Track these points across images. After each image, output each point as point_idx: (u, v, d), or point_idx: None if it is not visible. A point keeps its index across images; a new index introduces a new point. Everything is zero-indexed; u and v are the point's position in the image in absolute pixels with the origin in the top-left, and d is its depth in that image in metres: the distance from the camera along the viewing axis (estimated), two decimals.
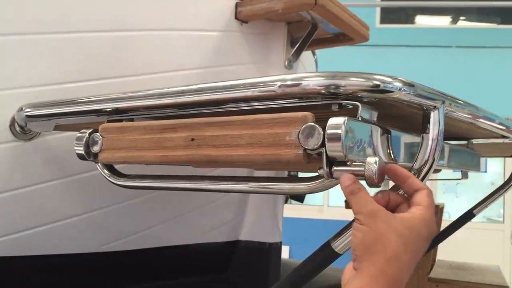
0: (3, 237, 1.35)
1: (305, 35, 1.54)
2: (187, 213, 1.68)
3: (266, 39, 1.55)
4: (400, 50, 6.29)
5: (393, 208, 0.69)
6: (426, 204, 0.65)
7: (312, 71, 1.79)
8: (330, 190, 0.77)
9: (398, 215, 0.64)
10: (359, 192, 0.65)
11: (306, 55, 1.88)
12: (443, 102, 0.76)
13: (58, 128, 1.21)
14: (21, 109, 1.17)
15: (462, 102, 0.86)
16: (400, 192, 0.71)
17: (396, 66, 5.73)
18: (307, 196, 2.57)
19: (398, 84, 0.69)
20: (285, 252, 5.52)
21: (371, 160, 0.65)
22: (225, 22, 1.47)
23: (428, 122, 0.75)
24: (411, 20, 7.03)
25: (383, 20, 6.58)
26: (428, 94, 0.73)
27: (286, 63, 1.55)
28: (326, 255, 0.78)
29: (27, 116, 1.16)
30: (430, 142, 0.74)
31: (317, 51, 2.18)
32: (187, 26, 1.44)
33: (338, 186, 0.75)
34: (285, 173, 1.76)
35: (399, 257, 0.60)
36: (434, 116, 0.75)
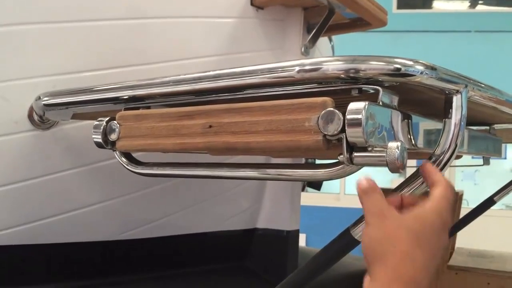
0: (23, 225, 1.37)
1: (321, 21, 1.52)
2: (205, 201, 1.68)
3: (282, 25, 1.53)
4: (418, 35, 6.20)
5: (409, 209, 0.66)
6: (438, 195, 0.62)
7: (330, 56, 1.76)
8: (346, 178, 0.76)
9: (408, 211, 0.62)
10: (373, 193, 0.63)
11: (323, 41, 1.86)
12: (466, 86, 0.74)
13: (75, 116, 1.22)
14: (39, 98, 1.18)
15: (484, 85, 0.84)
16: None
17: (414, 51, 5.63)
18: (324, 184, 2.56)
19: (419, 68, 0.68)
20: (302, 240, 5.52)
21: (393, 145, 0.64)
22: (241, 9, 1.45)
23: (450, 107, 0.73)
24: (428, 5, 6.91)
25: (400, 5, 6.48)
26: (450, 77, 0.72)
27: (303, 49, 1.54)
28: (345, 242, 0.78)
29: (45, 105, 1.17)
30: (452, 128, 0.72)
31: (334, 37, 2.16)
32: (203, 13, 1.43)
33: (355, 173, 0.74)
34: (302, 161, 1.75)
35: (412, 254, 0.57)
36: (456, 100, 0.73)
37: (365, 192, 0.64)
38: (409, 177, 0.73)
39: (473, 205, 1.72)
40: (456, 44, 6.04)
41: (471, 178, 6.36)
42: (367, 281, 0.60)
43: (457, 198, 2.15)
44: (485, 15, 6.47)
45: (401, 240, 0.58)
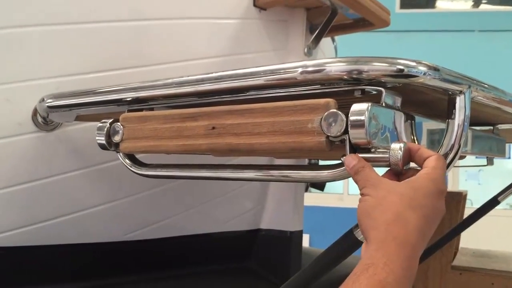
0: (28, 226, 1.37)
1: (324, 21, 1.52)
2: (209, 202, 1.68)
3: (285, 26, 1.54)
4: (421, 35, 6.19)
5: None
6: (432, 165, 0.63)
7: (333, 57, 1.76)
8: (350, 178, 0.76)
9: (403, 181, 0.62)
10: (363, 170, 0.64)
11: (326, 41, 1.86)
12: (469, 87, 0.74)
13: (79, 118, 1.22)
14: (42, 100, 1.18)
15: (488, 86, 0.84)
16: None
17: (417, 51, 5.62)
18: (327, 185, 2.55)
19: (422, 69, 0.68)
20: (305, 241, 5.52)
21: (396, 146, 0.64)
22: (244, 10, 1.45)
23: (454, 108, 0.73)
24: (431, 4, 6.89)
25: (403, 5, 6.47)
26: (453, 78, 0.71)
27: (306, 50, 1.54)
28: (349, 243, 0.78)
29: (48, 106, 1.17)
30: (455, 128, 0.72)
31: (337, 38, 2.16)
32: (206, 15, 1.43)
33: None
34: (305, 162, 1.75)
35: (405, 216, 0.57)
36: (459, 101, 0.73)
37: (355, 171, 0.64)
38: None
39: (477, 205, 1.72)
40: (460, 44, 6.03)
41: (475, 178, 6.34)
42: (363, 247, 0.60)
43: (461, 198, 2.14)
44: (489, 15, 6.46)
45: (393, 204, 0.59)
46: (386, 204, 0.59)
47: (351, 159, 0.65)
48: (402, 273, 0.54)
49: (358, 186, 0.64)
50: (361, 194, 0.63)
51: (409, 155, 0.65)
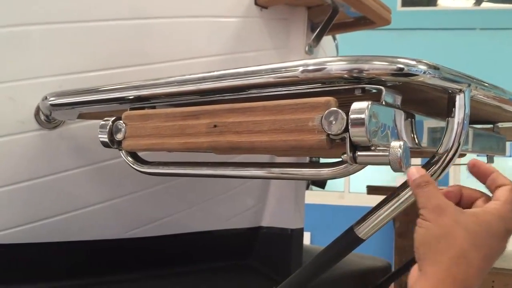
0: (29, 224, 1.38)
1: (325, 20, 1.52)
2: (210, 199, 1.69)
3: (286, 25, 1.54)
4: (423, 33, 6.18)
5: (467, 205, 0.64)
6: (504, 198, 0.59)
7: (334, 56, 1.77)
8: (351, 176, 0.76)
9: (469, 210, 0.59)
10: (427, 186, 0.60)
11: (327, 40, 1.86)
12: (469, 85, 0.74)
13: (82, 116, 1.23)
14: (45, 98, 1.19)
15: (488, 84, 0.85)
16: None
17: (419, 49, 5.63)
18: (328, 182, 2.56)
19: (422, 67, 0.68)
20: (306, 238, 5.52)
21: (396, 144, 0.64)
22: (245, 8, 1.46)
23: (454, 106, 0.74)
24: (433, 2, 6.89)
25: (404, 3, 6.46)
26: (453, 77, 0.72)
27: (307, 48, 1.54)
28: (349, 240, 0.78)
29: (51, 104, 1.18)
30: (455, 126, 0.73)
31: (338, 36, 2.16)
32: (207, 13, 1.43)
33: (359, 172, 0.74)
34: (306, 159, 1.75)
35: (467, 255, 0.54)
36: (459, 99, 0.73)
37: (417, 185, 0.61)
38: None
39: None
40: (461, 42, 6.02)
41: None
42: (415, 272, 0.58)
43: None
44: (490, 13, 6.45)
45: (458, 239, 0.55)
46: (451, 238, 0.55)
47: (414, 172, 0.62)
48: None
49: (418, 204, 0.60)
50: (420, 215, 0.59)
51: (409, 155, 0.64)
